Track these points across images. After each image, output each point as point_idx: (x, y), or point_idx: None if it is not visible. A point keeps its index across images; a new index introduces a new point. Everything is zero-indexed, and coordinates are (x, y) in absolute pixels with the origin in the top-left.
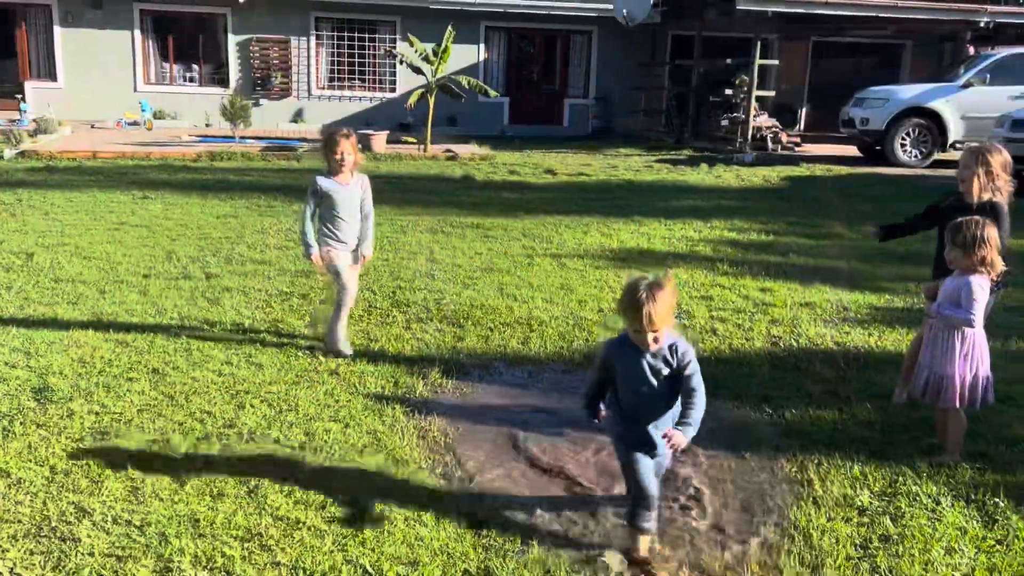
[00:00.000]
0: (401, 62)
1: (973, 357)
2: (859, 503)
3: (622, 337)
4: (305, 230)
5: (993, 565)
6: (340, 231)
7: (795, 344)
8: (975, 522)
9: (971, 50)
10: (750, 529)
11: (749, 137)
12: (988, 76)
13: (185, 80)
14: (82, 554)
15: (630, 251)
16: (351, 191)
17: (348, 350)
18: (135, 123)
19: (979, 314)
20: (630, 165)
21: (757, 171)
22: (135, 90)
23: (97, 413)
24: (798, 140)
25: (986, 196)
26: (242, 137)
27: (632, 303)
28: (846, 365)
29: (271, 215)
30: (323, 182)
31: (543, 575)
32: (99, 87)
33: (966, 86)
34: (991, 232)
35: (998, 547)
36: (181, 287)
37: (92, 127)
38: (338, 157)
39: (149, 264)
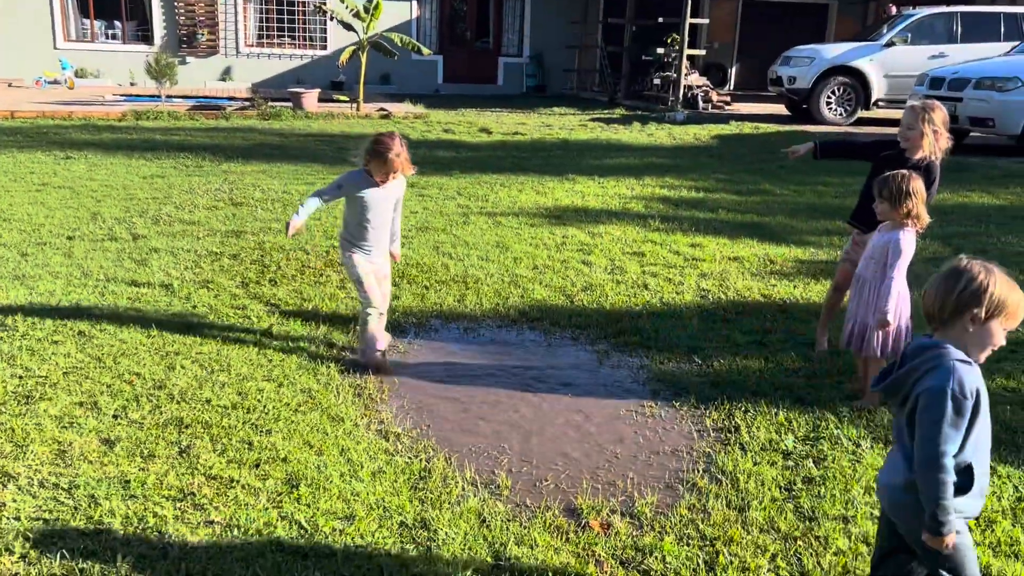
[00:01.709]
0: (332, 19)
1: (896, 308)
2: (784, 447)
3: None
4: (306, 203)
5: None
6: (367, 238)
7: (723, 297)
8: None
9: (893, 10)
10: (679, 475)
11: (680, 96)
12: (909, 35)
13: (107, 37)
14: (7, 519)
15: (564, 209)
16: (387, 193)
17: (383, 345)
18: (55, 82)
19: (903, 268)
20: (564, 124)
21: (688, 129)
22: (54, 47)
23: (21, 377)
24: (728, 99)
25: (930, 155)
26: (168, 96)
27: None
28: (772, 316)
29: (199, 175)
30: (363, 190)
31: (478, 524)
32: (15, 44)
33: (888, 45)
34: (917, 185)
35: None
36: (107, 248)
37: (9, 86)
38: (384, 177)
39: (73, 226)
